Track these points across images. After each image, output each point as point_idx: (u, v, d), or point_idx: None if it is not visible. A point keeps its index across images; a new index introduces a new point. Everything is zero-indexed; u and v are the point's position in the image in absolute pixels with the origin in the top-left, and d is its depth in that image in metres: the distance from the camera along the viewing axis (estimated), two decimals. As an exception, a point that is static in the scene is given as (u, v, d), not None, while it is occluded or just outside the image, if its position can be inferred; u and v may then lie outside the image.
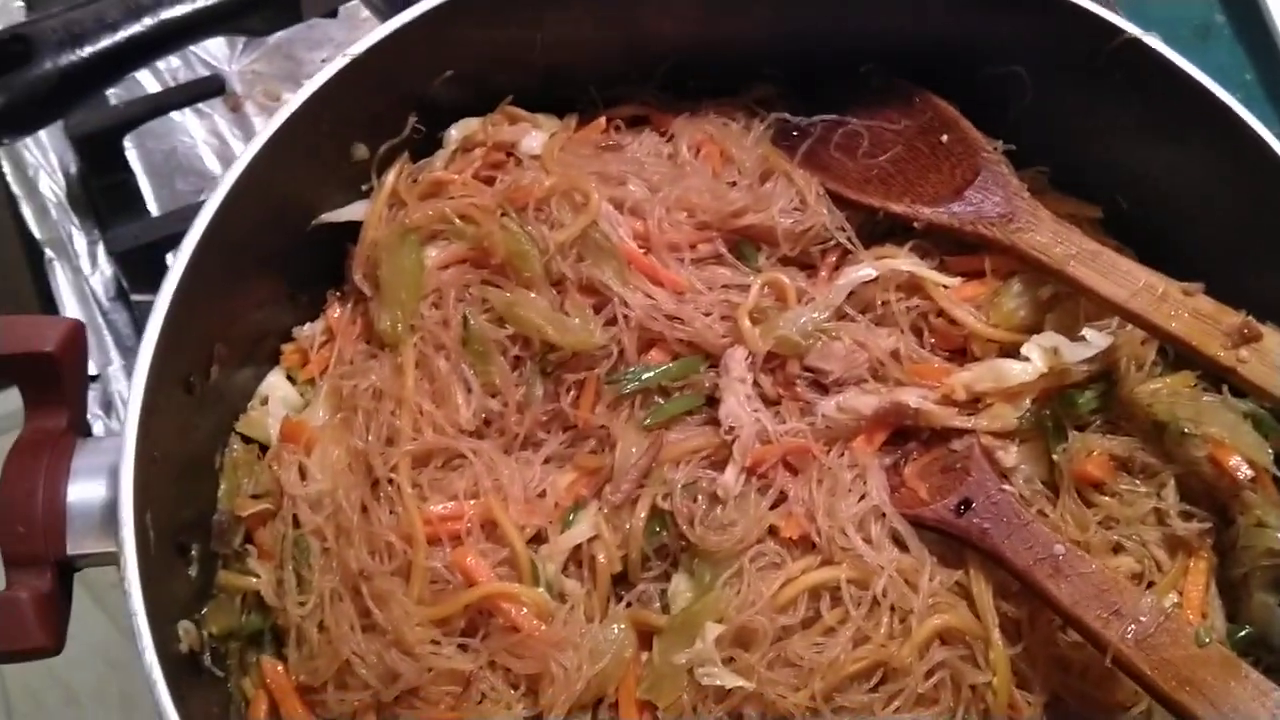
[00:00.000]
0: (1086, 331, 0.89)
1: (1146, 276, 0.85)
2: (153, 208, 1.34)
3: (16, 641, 0.73)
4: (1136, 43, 0.89)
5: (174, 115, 1.41)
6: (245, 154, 0.87)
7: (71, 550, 0.78)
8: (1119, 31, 0.90)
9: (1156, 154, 0.96)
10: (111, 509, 0.76)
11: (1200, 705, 0.70)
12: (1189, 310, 0.82)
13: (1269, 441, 0.89)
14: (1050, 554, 0.80)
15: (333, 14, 1.35)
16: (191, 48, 1.48)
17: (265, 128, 0.87)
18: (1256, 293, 0.89)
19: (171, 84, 1.44)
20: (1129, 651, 0.74)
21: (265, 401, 0.97)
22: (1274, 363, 0.78)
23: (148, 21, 1.09)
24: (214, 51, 1.48)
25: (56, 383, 0.81)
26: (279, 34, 1.47)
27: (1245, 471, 0.87)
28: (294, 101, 0.88)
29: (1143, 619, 0.75)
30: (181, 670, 0.79)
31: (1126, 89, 0.93)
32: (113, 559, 0.76)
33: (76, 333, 0.81)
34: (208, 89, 1.34)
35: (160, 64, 1.46)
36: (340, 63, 0.90)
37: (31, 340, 0.79)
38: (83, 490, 0.79)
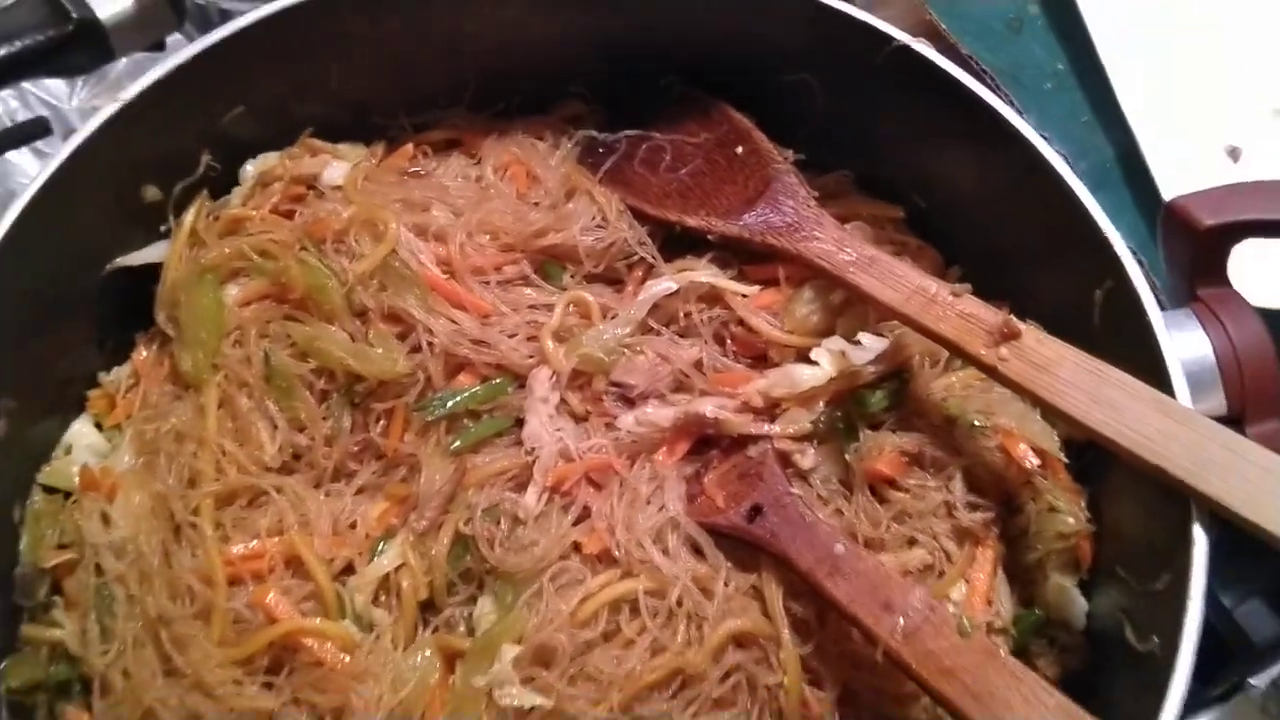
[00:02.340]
0: (862, 336, 0.91)
1: (920, 280, 0.87)
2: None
3: None
4: (906, 49, 0.91)
5: (10, 157, 1.39)
6: (13, 209, 0.86)
7: None
8: (889, 39, 0.92)
9: (940, 154, 0.98)
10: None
11: (959, 694, 0.72)
12: (956, 311, 0.84)
13: (1056, 430, 0.91)
14: (830, 553, 0.82)
15: (160, 46, 1.34)
16: (30, 87, 1.47)
17: (33, 181, 0.86)
18: (1040, 292, 0.92)
19: (10, 124, 1.42)
20: (896, 645, 0.76)
21: (69, 450, 0.96)
22: (1030, 360, 0.80)
23: (-47, 70, 1.08)
24: (53, 90, 1.47)
25: None
26: (117, 67, 1.45)
27: (1032, 459, 0.89)
28: (62, 152, 0.88)
29: (911, 613, 0.76)
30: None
31: (904, 93, 0.95)
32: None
33: None
34: (34, 130, 1.32)
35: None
36: (111, 109, 0.90)
37: None
38: None
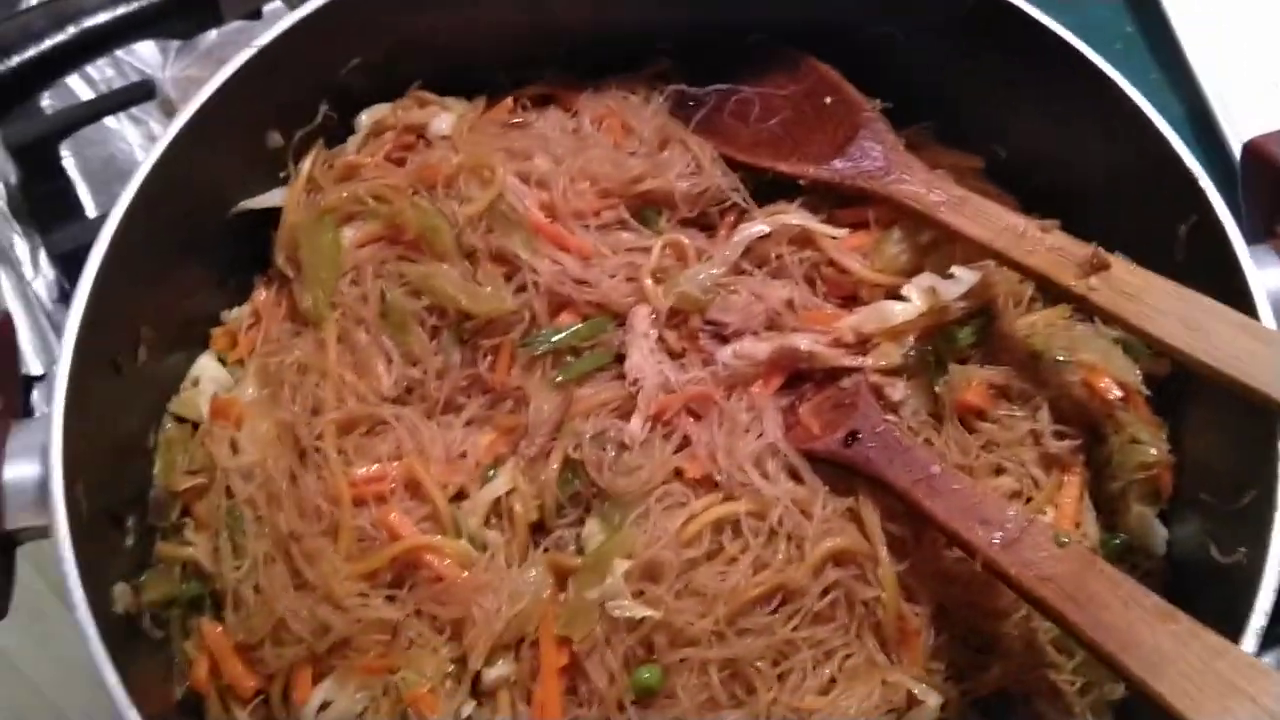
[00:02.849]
0: (955, 270, 0.95)
1: (1009, 219, 0.91)
2: (91, 212, 1.38)
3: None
4: (987, 1, 0.95)
5: (109, 122, 1.45)
6: (154, 150, 0.92)
7: (9, 525, 0.82)
8: (974, -11, 0.96)
9: (1022, 102, 1.02)
10: (43, 484, 0.81)
11: (1058, 598, 0.76)
12: (1045, 246, 0.88)
13: (1138, 365, 0.95)
14: (927, 474, 0.86)
15: (256, 14, 1.39)
16: (124, 55, 1.53)
17: (173, 123, 0.92)
18: (1121, 232, 0.96)
19: (105, 91, 1.48)
20: (996, 555, 0.80)
21: (197, 383, 1.02)
22: (1120, 289, 0.84)
23: (71, 30, 1.14)
24: (146, 58, 1.52)
25: (-13, 371, 0.86)
26: (209, 37, 1.51)
27: (1116, 392, 0.93)
28: (200, 96, 0.93)
29: (1008, 526, 0.81)
30: (119, 632, 0.83)
31: (988, 44, 0.99)
32: (47, 532, 0.81)
33: (3, 325, 0.86)
34: (138, 94, 1.38)
35: (94, 73, 1.51)
36: (246, 55, 0.95)
37: (-40, 330, 0.84)
38: (17, 469, 0.83)
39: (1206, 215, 0.85)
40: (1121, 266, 0.85)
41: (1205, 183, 0.86)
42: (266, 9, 1.47)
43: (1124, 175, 0.94)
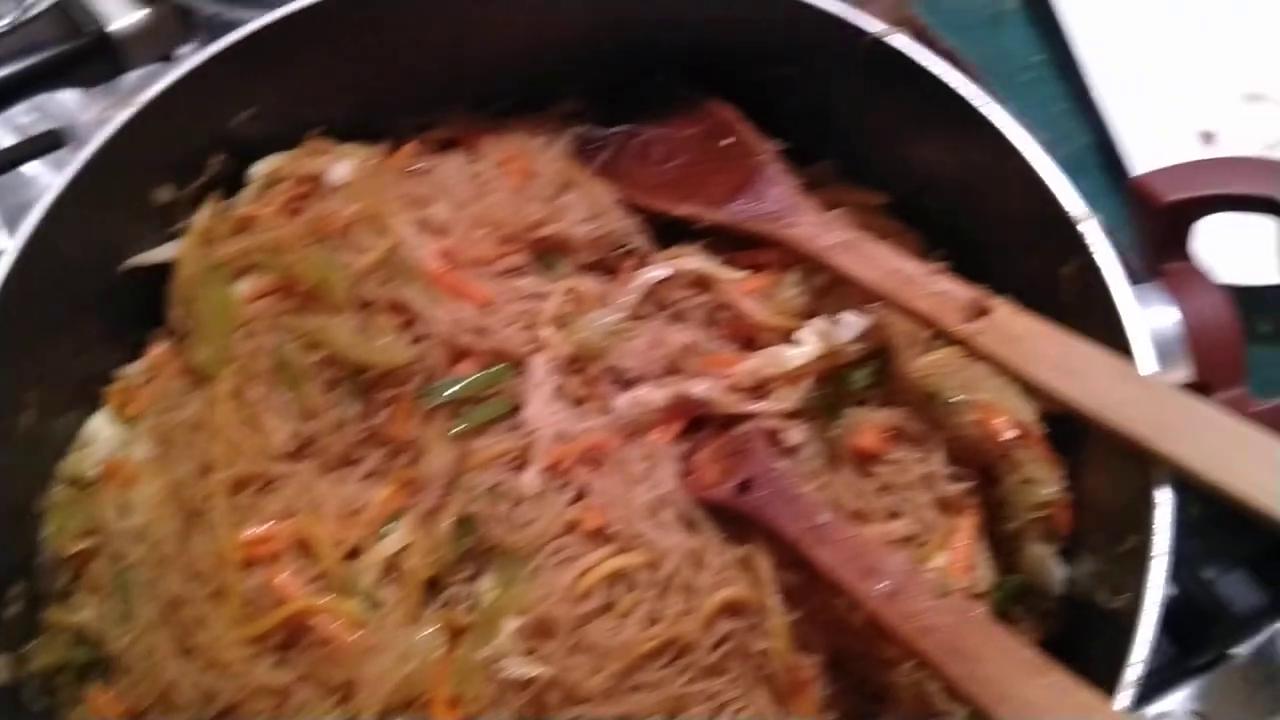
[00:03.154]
0: (843, 315, 0.95)
1: (896, 262, 0.91)
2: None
3: None
4: (878, 41, 0.95)
5: (26, 171, 1.44)
6: (37, 208, 0.90)
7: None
8: (864, 32, 0.96)
9: (918, 143, 1.02)
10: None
11: (936, 650, 0.75)
12: (931, 289, 0.87)
13: (1037, 403, 0.95)
14: (816, 523, 0.85)
15: (167, 58, 1.38)
16: (46, 100, 1.51)
17: (51, 185, 0.91)
18: (1014, 273, 0.95)
19: (23, 138, 1.47)
20: (879, 606, 0.79)
21: (89, 443, 1.00)
22: (1003, 333, 0.83)
23: (-31, 84, 1.13)
24: (68, 102, 1.51)
25: None
26: (130, 78, 1.49)
27: (1011, 431, 0.93)
28: (79, 158, 0.92)
29: (892, 577, 0.80)
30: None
31: (882, 84, 0.99)
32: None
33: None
34: (47, 144, 1.37)
35: (24, 117, 1.49)
36: (127, 113, 0.94)
37: None
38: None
39: (1087, 257, 0.85)
40: (1005, 311, 0.85)
41: (1086, 225, 0.85)
42: (180, 52, 1.46)
43: (1013, 217, 0.94)
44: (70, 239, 0.95)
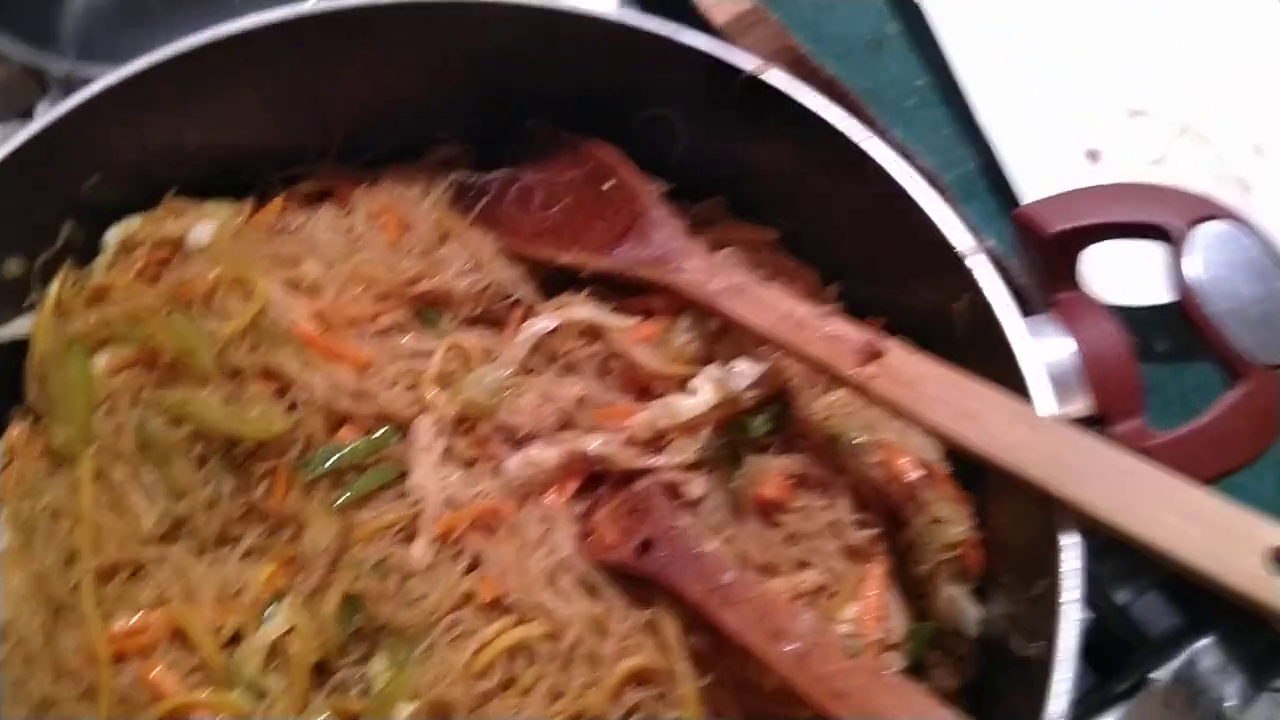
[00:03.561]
0: (736, 362, 0.92)
1: (787, 305, 0.88)
2: None
3: None
4: (753, 79, 0.93)
5: None
6: None
7: None
8: (738, 70, 0.93)
9: (803, 178, 0.99)
10: None
11: (851, 715, 0.72)
12: (823, 334, 0.85)
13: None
14: (720, 583, 0.82)
15: (27, 114, 1.31)
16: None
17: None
18: (909, 309, 0.94)
19: None
20: (790, 670, 0.76)
21: (-59, 536, 0.93)
22: (897, 377, 0.81)
23: None
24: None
25: None
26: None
27: (916, 471, 0.91)
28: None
29: (801, 638, 0.77)
30: None
31: (760, 120, 0.96)
32: None
33: None
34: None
35: None
36: (-40, 184, 0.87)
37: None
38: None
39: (978, 293, 0.84)
40: (898, 353, 0.83)
41: (973, 260, 0.84)
42: (38, 107, 1.39)
43: (904, 252, 0.92)
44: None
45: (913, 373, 0.81)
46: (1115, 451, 0.74)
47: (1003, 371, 0.82)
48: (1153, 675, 1.02)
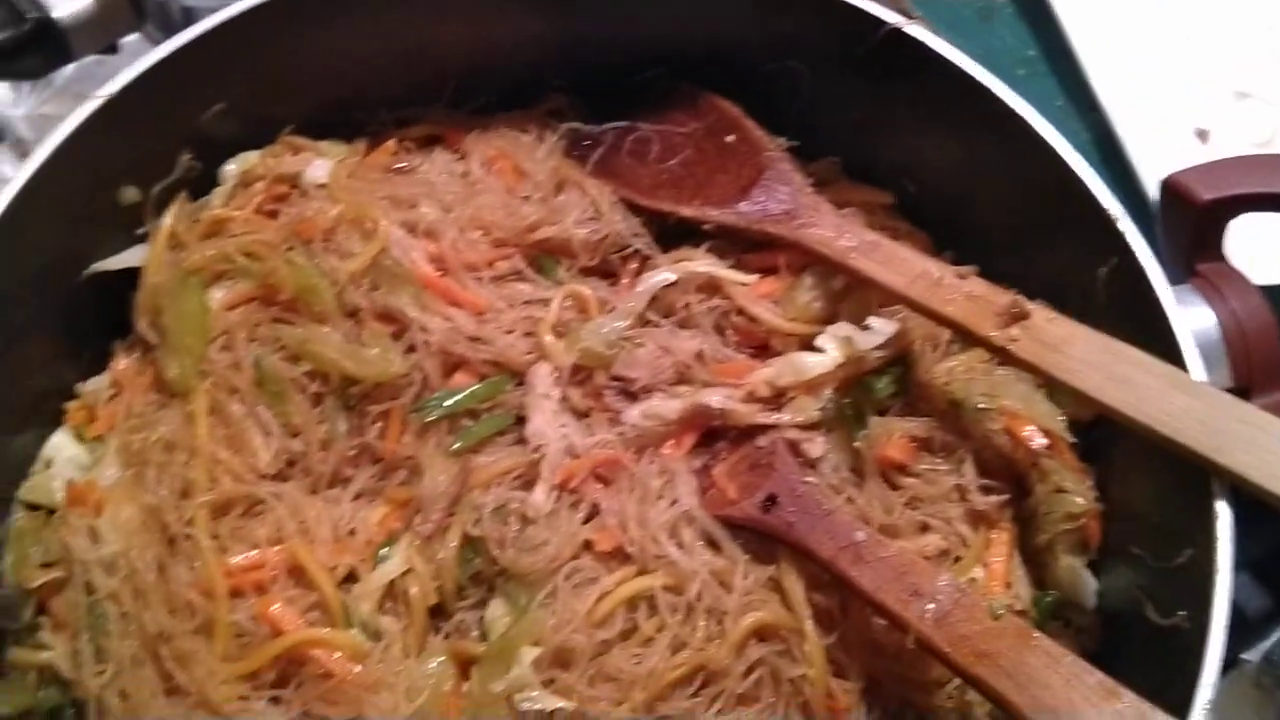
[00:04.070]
0: (871, 320, 0.91)
1: (923, 264, 0.87)
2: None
3: None
4: (898, 32, 0.91)
5: (-45, 168, 1.34)
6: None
7: None
8: (880, 22, 0.92)
9: (932, 138, 0.98)
10: None
11: (996, 677, 0.71)
12: (963, 294, 0.84)
13: (1062, 410, 0.92)
14: (852, 541, 0.81)
15: (112, 50, 1.29)
16: (-24, 92, 1.41)
17: (10, 184, 0.82)
18: (1039, 273, 0.92)
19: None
20: (928, 631, 0.75)
21: (50, 464, 0.92)
22: (1042, 340, 0.80)
23: (-99, 74, 1.03)
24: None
25: None
26: (66, 72, 1.40)
27: (1040, 440, 0.90)
28: (39, 154, 0.84)
29: (940, 598, 0.76)
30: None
31: (896, 77, 0.95)
32: None
33: None
34: (-19, 139, 1.28)
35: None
36: (90, 107, 0.86)
37: None
38: None
39: (1126, 257, 0.82)
40: (1042, 315, 0.81)
41: (1125, 224, 0.82)
42: (125, 41, 1.37)
43: (1038, 214, 0.91)
44: (27, 242, 0.87)
45: (1059, 335, 0.80)
46: (1275, 420, 0.73)
47: (1144, 340, 0.80)
48: (1244, 656, 1.01)
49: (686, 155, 1.02)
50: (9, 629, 0.86)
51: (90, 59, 1.28)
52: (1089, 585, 0.88)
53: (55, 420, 0.95)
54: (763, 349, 0.97)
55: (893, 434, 0.90)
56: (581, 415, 0.94)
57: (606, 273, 1.00)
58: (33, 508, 0.90)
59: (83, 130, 0.86)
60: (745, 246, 0.98)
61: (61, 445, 0.93)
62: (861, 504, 0.89)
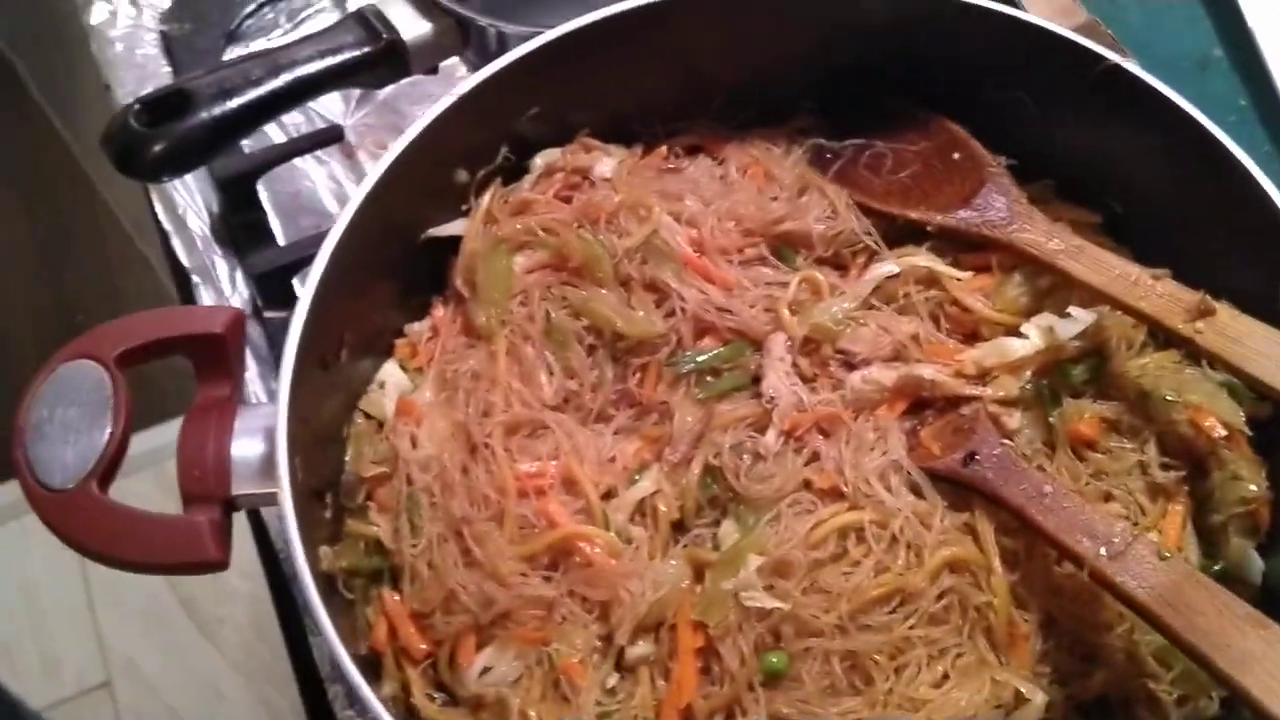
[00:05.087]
0: (1073, 310, 1.04)
1: (1123, 266, 1.00)
2: (280, 240, 1.55)
3: (197, 554, 0.92)
4: (1117, 68, 1.05)
5: (297, 163, 1.62)
6: (365, 184, 1.05)
7: (235, 491, 0.96)
8: (1101, 59, 1.06)
9: (1143, 169, 1.10)
10: (268, 459, 0.94)
11: (1159, 605, 0.83)
12: (1156, 292, 0.96)
13: (1242, 408, 1.02)
14: (1040, 493, 0.94)
15: (433, 71, 1.55)
16: (312, 107, 1.70)
17: (383, 159, 1.06)
18: (1228, 289, 1.03)
19: (295, 135, 1.66)
20: (1102, 565, 0.87)
21: (383, 385, 1.15)
22: (1224, 333, 0.91)
23: (285, 77, 1.30)
24: (330, 109, 1.70)
25: (223, 359, 1.00)
26: (386, 91, 1.68)
27: (1220, 431, 1.00)
28: (408, 135, 1.07)
29: (1115, 540, 0.88)
30: (324, 588, 0.96)
31: (1111, 111, 1.08)
32: (271, 499, 0.94)
33: (239, 318, 1.00)
34: (329, 137, 1.56)
35: (287, 120, 1.68)
36: (446, 102, 1.09)
37: (205, 324, 0.99)
38: (243, 445, 0.96)
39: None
40: (1226, 312, 0.93)
41: (1312, 243, 0.93)
42: (443, 64, 1.64)
43: (1237, 240, 1.01)
44: (383, 211, 1.09)
45: (1241, 330, 0.92)
46: None
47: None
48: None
49: (915, 169, 1.18)
50: (348, 506, 1.09)
51: (406, 81, 1.55)
52: (1256, 564, 0.98)
53: (387, 352, 1.18)
54: (971, 337, 1.11)
55: (1084, 413, 1.03)
56: (808, 380, 1.11)
57: (838, 264, 1.17)
58: (368, 417, 1.13)
59: (436, 123, 1.09)
60: (962, 247, 1.13)
61: (391, 372, 1.17)
62: (1051, 471, 1.02)
